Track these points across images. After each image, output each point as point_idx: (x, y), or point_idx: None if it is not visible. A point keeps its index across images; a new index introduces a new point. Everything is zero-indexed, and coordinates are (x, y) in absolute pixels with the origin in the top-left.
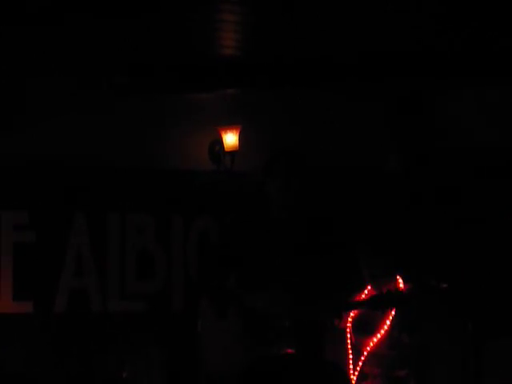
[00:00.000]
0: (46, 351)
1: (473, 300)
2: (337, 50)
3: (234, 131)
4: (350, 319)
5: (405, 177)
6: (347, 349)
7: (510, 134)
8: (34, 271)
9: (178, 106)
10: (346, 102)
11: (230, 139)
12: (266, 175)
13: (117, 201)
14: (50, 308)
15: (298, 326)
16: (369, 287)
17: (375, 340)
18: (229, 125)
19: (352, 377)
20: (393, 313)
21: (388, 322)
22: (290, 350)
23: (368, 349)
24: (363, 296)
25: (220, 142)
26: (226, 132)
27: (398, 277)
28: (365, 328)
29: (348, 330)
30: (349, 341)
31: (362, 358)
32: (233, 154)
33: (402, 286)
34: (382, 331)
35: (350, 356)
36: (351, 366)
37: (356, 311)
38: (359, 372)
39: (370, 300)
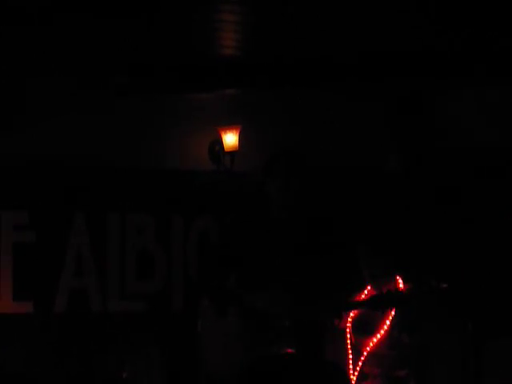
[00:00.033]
0: (46, 351)
1: (473, 300)
2: (337, 50)
3: (234, 131)
4: (349, 319)
5: (405, 177)
6: (347, 349)
7: (510, 134)
8: (34, 271)
9: (178, 105)
10: (346, 102)
11: (230, 139)
12: (266, 175)
13: (117, 201)
14: (50, 308)
15: (297, 326)
16: (369, 287)
17: (375, 340)
18: (229, 125)
19: (352, 377)
20: (393, 313)
21: (388, 322)
22: (289, 350)
23: (368, 349)
24: (363, 296)
25: (220, 142)
26: (225, 132)
27: (397, 277)
28: (365, 328)
29: (348, 329)
30: (349, 341)
31: (362, 358)
32: (233, 154)
33: (401, 286)
34: (382, 331)
35: (350, 356)
36: (351, 366)
37: (356, 311)
38: (359, 372)
39: (370, 300)
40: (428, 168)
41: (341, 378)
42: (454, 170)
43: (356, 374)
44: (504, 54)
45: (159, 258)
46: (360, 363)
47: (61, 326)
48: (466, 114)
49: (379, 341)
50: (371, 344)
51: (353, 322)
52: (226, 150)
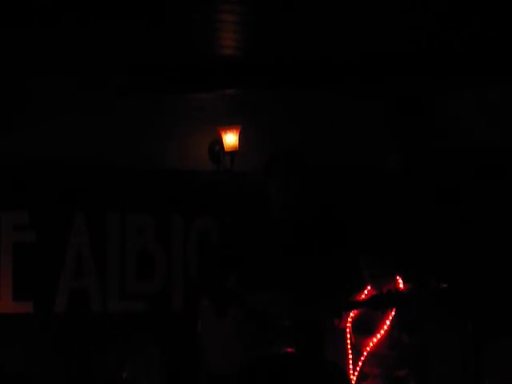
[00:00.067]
0: (46, 351)
1: (473, 300)
2: (337, 50)
3: (234, 131)
4: (349, 319)
5: (405, 177)
6: (347, 349)
7: (510, 134)
8: (34, 271)
9: (178, 106)
10: (346, 101)
11: (230, 139)
12: (266, 175)
13: (117, 201)
14: (50, 308)
15: (297, 325)
16: (369, 287)
17: (375, 340)
18: (229, 125)
19: (352, 377)
20: (393, 313)
21: (388, 322)
22: (289, 350)
23: (368, 349)
24: (363, 296)
25: (220, 142)
26: (225, 132)
27: (397, 277)
28: (365, 328)
29: (348, 330)
30: (349, 341)
31: (362, 358)
32: (233, 154)
33: (401, 285)
34: (382, 331)
35: (350, 356)
36: (351, 366)
37: (356, 311)
38: (359, 372)
39: (370, 300)
40: (428, 168)
41: (341, 378)
42: (454, 170)
43: (356, 373)
44: (504, 54)
45: (159, 258)
46: (360, 363)
47: (61, 326)
48: (466, 114)
49: (379, 341)
50: (371, 344)
51: (353, 322)
52: (225, 150)
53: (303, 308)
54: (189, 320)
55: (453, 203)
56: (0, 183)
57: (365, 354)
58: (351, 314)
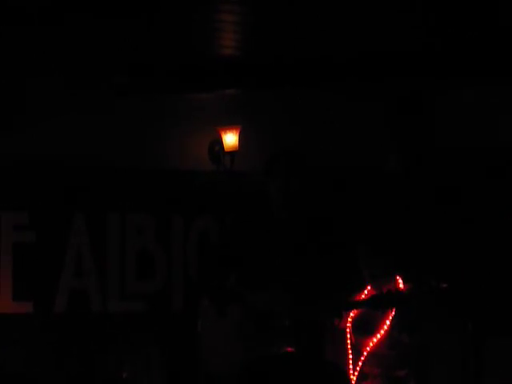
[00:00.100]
0: (46, 351)
1: (473, 300)
2: (337, 50)
3: (234, 131)
4: (349, 319)
5: (405, 177)
6: (347, 349)
7: (510, 134)
8: (34, 271)
9: (178, 105)
10: (346, 101)
11: (230, 139)
12: (266, 175)
13: (117, 201)
14: (50, 308)
15: (297, 325)
16: (369, 287)
17: (375, 340)
18: (228, 125)
19: (352, 377)
20: (393, 313)
21: (388, 322)
22: (289, 350)
23: (368, 349)
24: (363, 296)
25: (220, 142)
26: (225, 132)
27: (397, 277)
28: (365, 328)
29: (348, 330)
30: (349, 341)
31: (362, 358)
32: (232, 154)
33: (401, 286)
34: (382, 331)
35: (350, 356)
36: (351, 366)
37: (356, 311)
38: (359, 372)
39: (370, 300)
40: (428, 168)
41: (341, 377)
42: (454, 170)
43: (356, 374)
44: (504, 54)
45: (159, 258)
46: (360, 363)
47: (61, 326)
48: (466, 114)
49: (379, 341)
50: (371, 344)
51: (353, 322)
52: (225, 150)
53: (303, 308)
54: (189, 320)
55: (453, 203)
56: (0, 183)
57: (365, 354)
58: (351, 314)
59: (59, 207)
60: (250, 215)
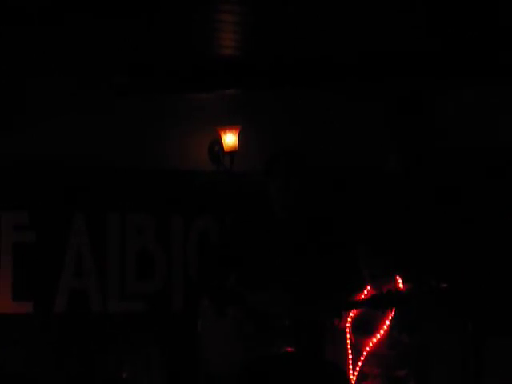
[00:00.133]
0: (46, 351)
1: (473, 300)
2: (337, 50)
3: (234, 131)
4: (349, 319)
5: (405, 177)
6: (347, 349)
7: (510, 134)
8: (34, 271)
9: (178, 106)
10: (346, 101)
11: (230, 139)
12: (266, 175)
13: (117, 201)
14: (50, 308)
15: (297, 325)
16: (369, 287)
17: (375, 340)
18: (228, 125)
19: (352, 377)
20: (393, 313)
21: (388, 322)
22: (289, 350)
23: (368, 349)
24: (363, 296)
25: (219, 142)
26: (225, 132)
27: (397, 277)
28: (364, 328)
29: (348, 330)
30: (348, 341)
31: (362, 358)
32: (232, 154)
33: (401, 286)
34: (382, 331)
35: (350, 356)
36: (351, 366)
37: (356, 311)
38: (359, 372)
39: (370, 300)
40: (428, 168)
41: (341, 378)
42: (454, 170)
43: (356, 374)
44: (504, 54)
45: (159, 258)
46: (360, 363)
47: (61, 326)
48: (466, 114)
49: (379, 341)
50: (371, 344)
51: (353, 322)
52: (225, 150)
53: (303, 308)
54: (189, 320)
55: (453, 203)
56: (0, 183)
57: (365, 354)
58: (351, 314)
59: (59, 207)
60: (249, 215)
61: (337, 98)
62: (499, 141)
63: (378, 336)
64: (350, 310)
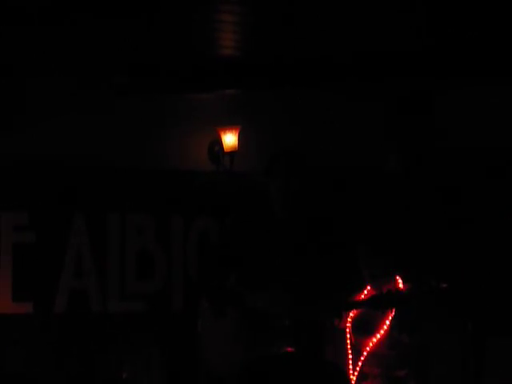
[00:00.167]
0: (46, 351)
1: (473, 300)
2: (337, 50)
3: (234, 131)
4: (349, 319)
5: (405, 177)
6: (347, 349)
7: (510, 134)
8: (34, 272)
9: (178, 106)
10: (346, 102)
11: (230, 139)
12: (267, 175)
13: (117, 201)
14: (50, 308)
15: (297, 325)
16: (369, 287)
17: (375, 340)
18: (228, 125)
19: (352, 377)
20: (392, 313)
21: (388, 322)
22: (289, 350)
23: (368, 349)
24: (363, 296)
25: (219, 142)
26: (225, 132)
27: (397, 277)
28: (364, 328)
29: (348, 330)
30: (348, 341)
31: (362, 358)
32: (232, 154)
33: (401, 286)
34: (382, 331)
35: (350, 356)
36: (351, 366)
37: (356, 311)
38: (359, 372)
39: (370, 300)
40: (428, 168)
41: (341, 377)
42: (454, 170)
43: (356, 374)
44: (504, 54)
45: (159, 258)
46: (360, 363)
47: (61, 326)
48: (466, 114)
49: (379, 341)
50: (371, 344)
51: (353, 322)
52: (225, 150)
53: (303, 308)
54: (189, 320)
55: (453, 203)
56: (0, 183)
57: (365, 354)
58: (351, 314)
59: (59, 207)
60: (249, 215)
61: (337, 98)
62: (499, 141)
63: (378, 336)
64: (349, 310)
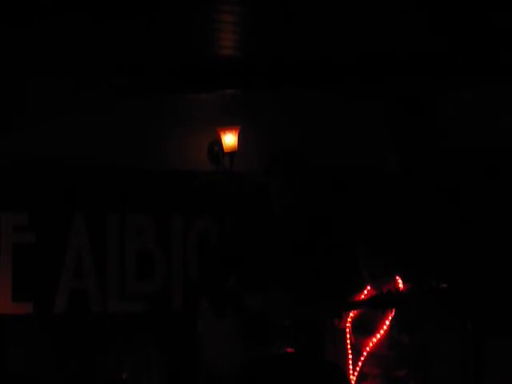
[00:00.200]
0: (46, 352)
1: (472, 300)
2: (337, 50)
3: (233, 132)
4: (349, 319)
5: (405, 177)
6: (347, 349)
7: (510, 134)
8: (34, 272)
9: (178, 105)
10: (346, 102)
11: (229, 140)
12: (267, 175)
13: (116, 201)
14: (50, 308)
15: (297, 325)
16: (369, 287)
17: (375, 340)
18: (228, 125)
19: (352, 377)
20: (392, 313)
21: (387, 322)
22: (290, 350)
23: (368, 349)
24: (363, 296)
25: (219, 142)
26: (225, 132)
27: (397, 277)
28: (364, 328)
29: (348, 330)
30: (348, 341)
31: (362, 358)
32: (232, 154)
33: (401, 286)
34: (382, 331)
35: (350, 356)
36: (351, 366)
37: (356, 311)
38: (359, 372)
39: (370, 300)
40: (428, 168)
41: (340, 377)
42: (454, 170)
43: (356, 374)
44: (504, 53)
45: (159, 258)
46: (360, 363)
47: (61, 326)
48: (466, 114)
49: (379, 341)
50: (371, 344)
51: (353, 322)
52: (225, 150)
53: (303, 308)
54: (189, 320)
55: (453, 203)
56: (0, 183)
57: (364, 354)
58: (351, 314)
59: (59, 207)
60: (249, 216)
61: (337, 98)
62: (499, 141)
63: (378, 336)
64: (349, 310)
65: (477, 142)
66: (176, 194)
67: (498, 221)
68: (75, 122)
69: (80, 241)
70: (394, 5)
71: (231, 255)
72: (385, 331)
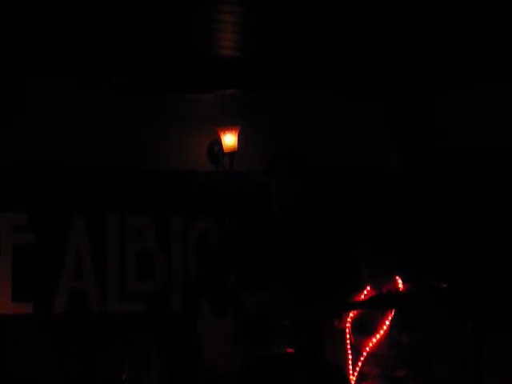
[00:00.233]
0: (46, 352)
1: (472, 300)
2: (337, 50)
3: (233, 132)
4: (349, 319)
5: (405, 177)
6: (347, 349)
7: (510, 134)
8: (34, 272)
9: (178, 105)
10: (346, 102)
11: (229, 140)
12: (267, 175)
13: (116, 201)
14: (50, 309)
15: (297, 325)
16: (369, 287)
17: (375, 340)
18: (228, 125)
19: (351, 377)
20: (392, 313)
21: (387, 322)
22: (290, 350)
23: (367, 349)
24: (363, 296)
25: (219, 142)
26: (224, 133)
27: (397, 277)
28: (364, 328)
29: (347, 330)
30: (348, 341)
31: (362, 358)
32: (232, 154)
33: (401, 286)
34: (382, 331)
35: (350, 356)
36: (351, 367)
37: (356, 311)
38: (359, 372)
39: (370, 300)
40: (428, 168)
41: (340, 377)
42: (454, 170)
43: (356, 374)
44: (504, 53)
45: (159, 259)
46: (360, 363)
47: (61, 326)
48: (466, 114)
49: (379, 341)
50: (371, 344)
51: (353, 322)
52: (225, 150)
53: (303, 308)
54: (189, 320)
55: (453, 203)
56: (0, 183)
57: (364, 354)
58: (351, 314)
59: (59, 208)
60: (249, 216)
61: (337, 98)
62: (499, 141)
63: (378, 336)
64: (349, 310)
65: (477, 141)
66: (176, 194)
67: (498, 221)
68: (75, 122)
69: (80, 241)
70: (394, 5)
71: (231, 255)
72: (385, 331)
